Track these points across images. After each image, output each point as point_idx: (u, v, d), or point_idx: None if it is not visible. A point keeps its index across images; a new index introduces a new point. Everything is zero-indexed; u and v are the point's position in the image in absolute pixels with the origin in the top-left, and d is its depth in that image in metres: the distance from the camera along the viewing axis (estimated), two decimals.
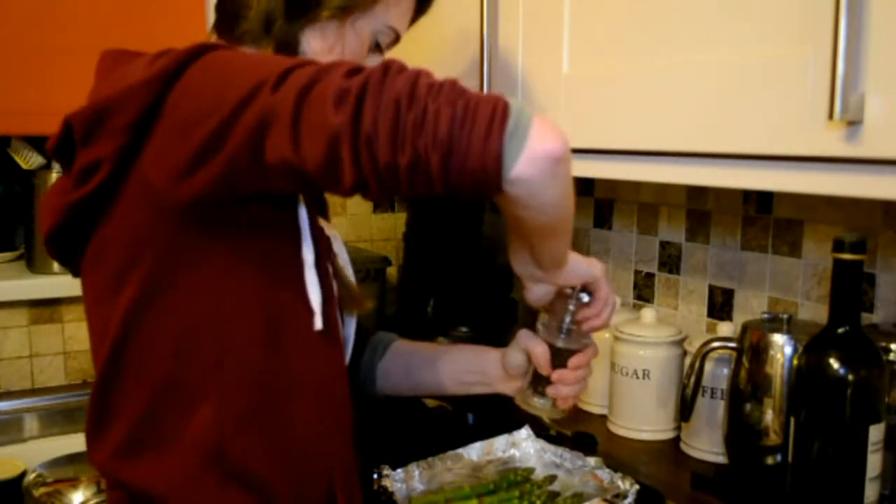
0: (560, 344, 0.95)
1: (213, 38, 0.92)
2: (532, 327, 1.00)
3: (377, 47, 0.93)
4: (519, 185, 0.67)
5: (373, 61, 0.93)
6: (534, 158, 0.66)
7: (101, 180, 0.77)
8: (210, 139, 0.71)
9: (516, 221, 0.78)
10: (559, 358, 0.96)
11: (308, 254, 0.84)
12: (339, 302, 0.93)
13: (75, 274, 0.89)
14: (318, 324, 0.84)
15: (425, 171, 0.65)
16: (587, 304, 0.94)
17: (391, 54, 0.98)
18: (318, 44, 0.88)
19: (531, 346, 0.97)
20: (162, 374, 0.82)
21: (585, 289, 0.94)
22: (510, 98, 0.67)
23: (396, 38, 0.94)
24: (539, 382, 0.98)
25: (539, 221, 0.76)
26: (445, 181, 0.66)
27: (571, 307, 0.95)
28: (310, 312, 0.84)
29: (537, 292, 0.93)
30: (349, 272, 1.00)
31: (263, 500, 0.84)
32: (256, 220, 0.81)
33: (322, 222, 0.94)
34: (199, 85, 0.74)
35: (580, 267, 0.91)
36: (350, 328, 0.99)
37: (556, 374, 0.96)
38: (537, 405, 0.99)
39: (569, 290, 0.94)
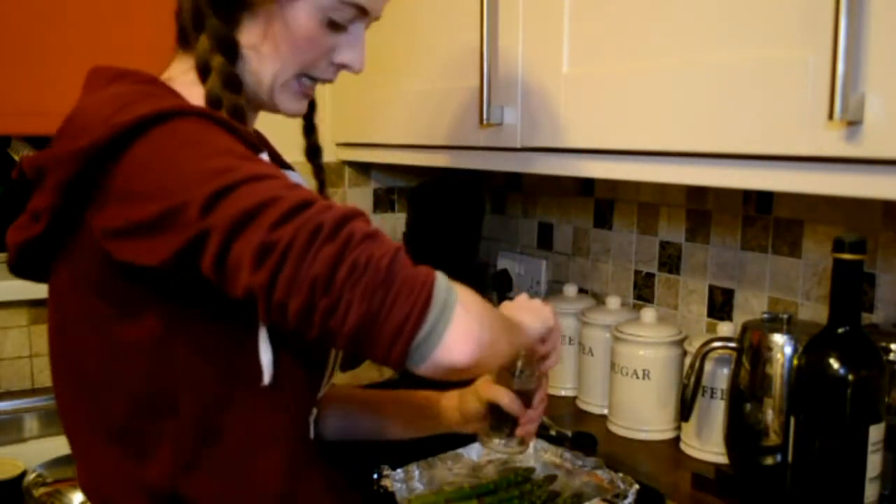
0: (516, 387, 0.97)
1: (179, 55, 0.90)
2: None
3: (337, 25, 0.86)
4: (423, 374, 0.68)
5: (346, 43, 0.88)
6: (435, 365, 0.67)
7: (44, 227, 0.79)
8: (144, 225, 0.70)
9: None
10: (520, 399, 0.98)
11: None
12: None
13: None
14: (266, 379, 0.82)
15: (333, 342, 0.66)
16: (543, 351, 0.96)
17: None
18: (253, 36, 0.84)
19: (497, 395, 0.97)
20: (118, 419, 0.82)
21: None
22: (438, 282, 0.67)
23: (363, 12, 0.87)
24: (503, 424, 0.99)
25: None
26: (353, 352, 0.67)
27: (523, 351, 0.95)
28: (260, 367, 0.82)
29: None
30: None
31: None
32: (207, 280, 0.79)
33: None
34: (142, 166, 0.72)
35: (536, 326, 0.91)
36: (335, 354, 0.96)
37: (525, 416, 0.97)
38: (503, 445, 1.00)
39: None
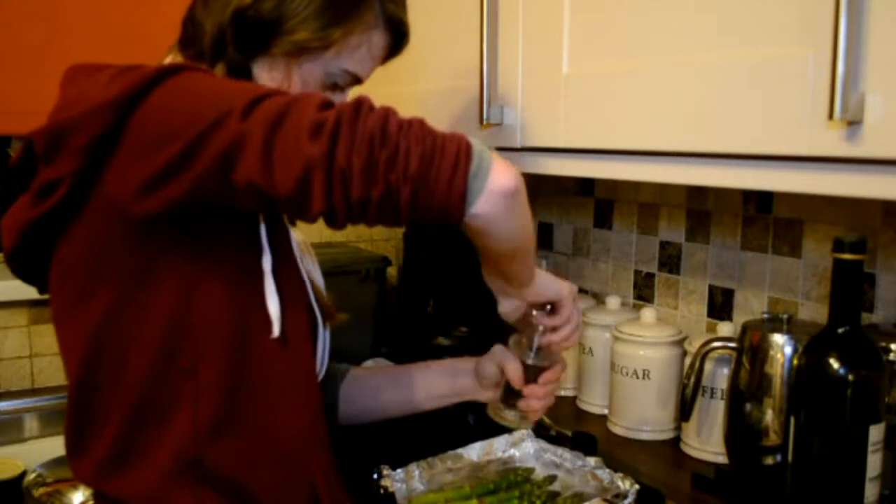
0: (530, 361, 1.00)
1: (173, 54, 0.92)
2: (506, 341, 1.04)
3: (336, 86, 0.92)
4: (479, 218, 0.73)
5: (334, 98, 0.94)
6: (492, 195, 0.72)
7: (61, 198, 0.78)
8: (176, 160, 0.72)
9: (482, 249, 0.84)
10: (530, 373, 1.00)
11: (266, 263, 0.85)
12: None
13: (42, 292, 0.90)
14: (276, 331, 0.85)
15: (395, 203, 0.69)
16: (554, 325, 0.98)
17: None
18: (266, 76, 0.88)
19: (504, 362, 1.02)
20: (137, 387, 0.82)
21: (553, 307, 0.98)
22: (471, 138, 0.73)
23: (357, 81, 0.94)
24: (510, 396, 1.02)
25: (500, 248, 0.82)
26: (412, 213, 0.70)
27: (541, 327, 0.98)
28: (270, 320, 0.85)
29: (507, 306, 0.97)
30: (320, 284, 1.02)
31: None
32: (217, 233, 0.82)
33: (297, 236, 0.96)
34: (165, 108, 0.74)
35: (547, 286, 0.96)
36: (324, 338, 0.99)
37: (527, 390, 1.00)
38: (508, 417, 1.03)
39: (534, 312, 0.98)
